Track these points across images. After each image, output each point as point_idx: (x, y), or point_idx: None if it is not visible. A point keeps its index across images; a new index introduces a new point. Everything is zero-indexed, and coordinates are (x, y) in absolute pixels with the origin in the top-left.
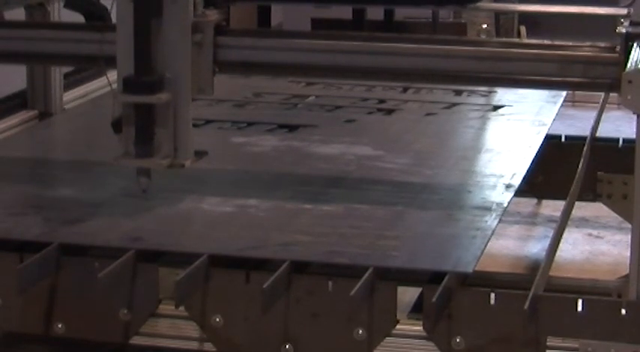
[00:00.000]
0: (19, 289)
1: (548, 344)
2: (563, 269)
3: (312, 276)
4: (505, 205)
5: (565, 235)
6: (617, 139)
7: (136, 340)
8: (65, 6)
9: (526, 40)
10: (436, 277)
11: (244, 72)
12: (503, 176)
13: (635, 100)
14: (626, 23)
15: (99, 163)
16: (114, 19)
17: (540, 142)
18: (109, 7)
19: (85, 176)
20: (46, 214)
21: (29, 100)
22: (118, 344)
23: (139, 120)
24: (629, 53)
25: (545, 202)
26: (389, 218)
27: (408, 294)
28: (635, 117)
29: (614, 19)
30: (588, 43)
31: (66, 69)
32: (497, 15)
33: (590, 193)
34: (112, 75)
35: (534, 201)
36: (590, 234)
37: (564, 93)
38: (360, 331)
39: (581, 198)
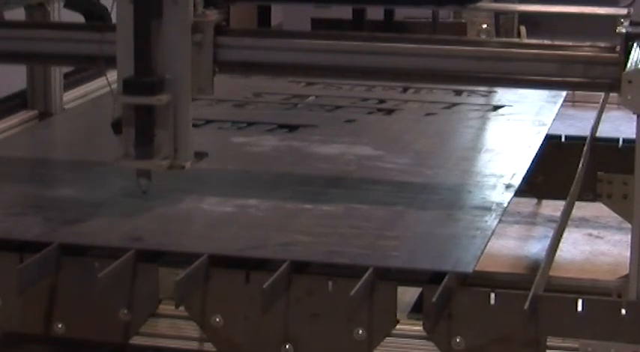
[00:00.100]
0: (19, 289)
1: (548, 344)
2: (563, 269)
3: (312, 276)
4: (505, 205)
5: (565, 235)
6: (617, 139)
7: (136, 340)
8: (65, 6)
9: (526, 40)
10: (436, 277)
11: (244, 72)
12: (503, 176)
13: (635, 100)
14: (626, 23)
15: (99, 163)
16: (114, 19)
17: (540, 142)
18: (109, 7)
19: (85, 176)
20: (46, 214)
21: (29, 100)
22: (118, 344)
23: (139, 121)
24: (629, 53)
25: (545, 202)
26: (389, 218)
27: (408, 294)
28: (635, 117)
29: (614, 19)
30: (588, 43)
31: (66, 69)
32: (497, 15)
33: (590, 193)
34: (112, 75)
35: (534, 201)
36: (590, 234)
37: (564, 93)
38: (360, 331)
39: (581, 198)
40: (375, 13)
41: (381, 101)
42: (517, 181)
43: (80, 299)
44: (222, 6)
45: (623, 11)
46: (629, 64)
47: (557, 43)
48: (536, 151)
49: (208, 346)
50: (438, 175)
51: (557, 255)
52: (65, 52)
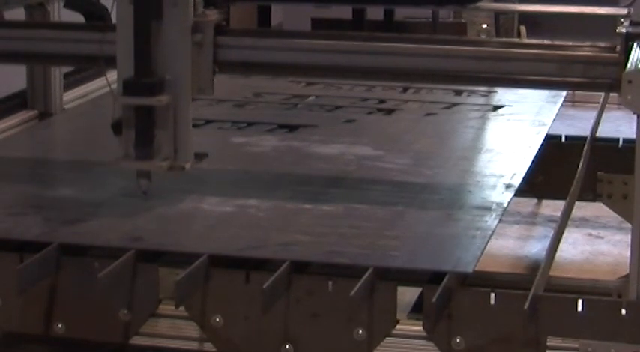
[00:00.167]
0: (19, 289)
1: (548, 344)
2: (563, 269)
3: (312, 276)
4: (505, 205)
5: (565, 235)
6: (617, 139)
7: (136, 340)
8: (65, 6)
9: (526, 40)
10: (436, 277)
11: (244, 72)
12: (503, 176)
13: (635, 100)
14: (626, 23)
15: (99, 163)
16: (114, 19)
17: (540, 142)
18: (109, 8)
19: (85, 176)
20: (46, 214)
21: (29, 100)
22: (118, 344)
23: (139, 122)
24: (629, 53)
25: (545, 202)
26: (389, 218)
27: (408, 294)
28: (635, 117)
29: (614, 19)
30: (588, 43)
31: (66, 69)
32: (497, 15)
33: (590, 193)
34: (112, 75)
35: (534, 201)
36: (590, 234)
37: (564, 93)
38: (360, 331)
39: (581, 198)
40: (375, 13)
41: (381, 101)
42: (517, 181)
43: (80, 299)
44: (222, 6)
45: (623, 11)
46: (629, 64)
47: (557, 43)
48: (536, 151)
49: (208, 346)
50: (438, 175)
51: (557, 255)
52: (65, 52)
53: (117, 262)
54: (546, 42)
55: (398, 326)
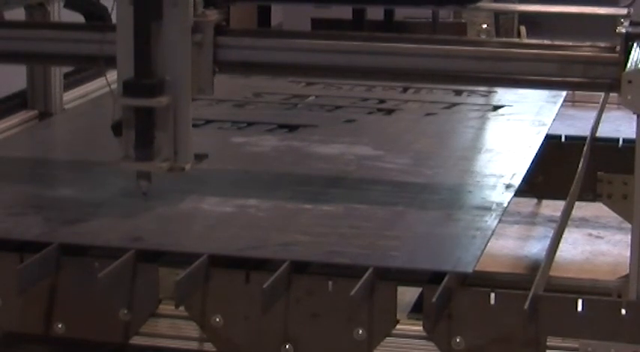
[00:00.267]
0: (19, 289)
1: (548, 344)
2: (563, 269)
3: (312, 276)
4: (505, 205)
5: (565, 235)
6: (617, 139)
7: (136, 340)
8: (65, 6)
9: (526, 40)
10: (436, 277)
11: (244, 72)
12: (503, 176)
13: (635, 100)
14: (626, 23)
15: (99, 163)
16: (114, 19)
17: (540, 142)
18: (109, 8)
19: (85, 176)
20: (46, 214)
21: (29, 100)
22: (118, 344)
23: (139, 123)
24: (629, 53)
25: (545, 202)
26: (389, 218)
27: (408, 294)
28: (635, 117)
29: (614, 19)
30: (588, 43)
31: (66, 69)
32: (497, 15)
33: (590, 193)
34: (112, 75)
35: (534, 201)
36: (590, 234)
37: (564, 93)
38: (360, 331)
39: (581, 198)
40: (375, 13)
41: (381, 101)
42: (517, 181)
43: (80, 299)
44: (222, 6)
45: (623, 11)
46: (629, 64)
47: (557, 43)
48: (536, 151)
49: (208, 346)
50: (438, 175)
51: (557, 255)
52: (65, 52)
53: (117, 262)
54: (546, 42)
55: (398, 326)
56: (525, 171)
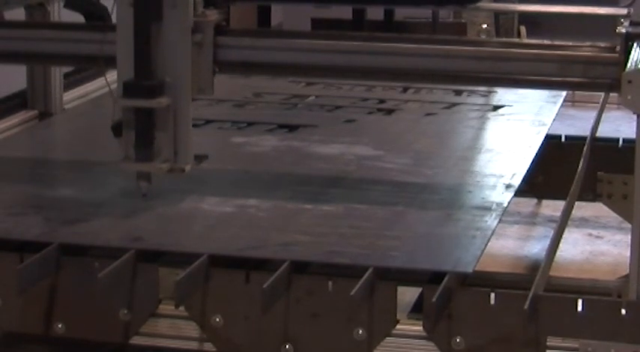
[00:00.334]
0: (19, 289)
1: (548, 344)
2: (563, 269)
3: (312, 276)
4: (505, 205)
5: (565, 235)
6: (617, 139)
7: (136, 340)
8: (65, 6)
9: (526, 40)
10: (436, 277)
11: (244, 72)
12: (503, 176)
13: (635, 100)
14: (626, 23)
15: (99, 163)
16: (114, 19)
17: (540, 142)
18: (109, 8)
19: (85, 176)
20: (46, 214)
21: (29, 100)
22: (118, 344)
23: (139, 124)
24: (629, 53)
25: (545, 202)
26: (389, 218)
27: (408, 294)
28: (635, 117)
29: (614, 19)
30: (588, 43)
31: (66, 69)
32: (497, 15)
33: (590, 193)
34: (112, 75)
35: (534, 201)
36: (590, 234)
37: (564, 93)
38: (360, 331)
39: (581, 198)
40: (375, 13)
41: (381, 101)
42: (517, 181)
43: (80, 299)
44: (222, 6)
45: (623, 11)
46: (629, 64)
47: (557, 43)
48: (536, 151)
49: (208, 346)
50: (438, 175)
51: (557, 255)
52: (65, 52)
53: (117, 262)
54: (546, 42)
55: (398, 326)
56: (525, 171)
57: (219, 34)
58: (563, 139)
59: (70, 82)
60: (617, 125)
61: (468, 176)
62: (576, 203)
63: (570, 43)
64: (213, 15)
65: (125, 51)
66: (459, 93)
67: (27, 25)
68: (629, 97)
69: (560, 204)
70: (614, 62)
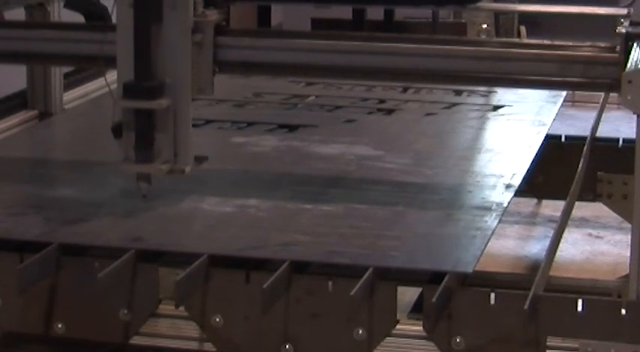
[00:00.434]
0: (19, 289)
1: (548, 344)
2: (563, 269)
3: (312, 276)
4: (505, 205)
5: (565, 235)
6: (617, 139)
7: (136, 340)
8: (65, 6)
9: (526, 40)
10: (436, 277)
11: (244, 72)
12: (503, 176)
13: (635, 100)
14: (626, 23)
15: (99, 163)
16: (114, 19)
17: (540, 142)
18: (109, 8)
19: (85, 176)
20: (46, 214)
21: (29, 100)
22: (118, 344)
23: (139, 125)
24: (629, 53)
25: (545, 202)
26: (389, 218)
27: (408, 294)
28: (635, 117)
29: (614, 19)
30: (588, 43)
31: (66, 69)
32: (497, 15)
33: (590, 193)
34: (112, 75)
35: (534, 201)
36: (590, 234)
37: (564, 93)
38: (360, 331)
39: (581, 198)
40: (375, 13)
41: (381, 101)
42: (517, 181)
43: (80, 299)
44: (222, 6)
45: (623, 11)
46: (629, 64)
47: (557, 43)
48: (536, 151)
49: (208, 346)
50: (438, 175)
51: (557, 255)
52: (65, 52)
53: (117, 262)
54: (546, 42)
55: (398, 326)
56: (525, 171)
57: (219, 34)
58: (563, 139)
59: (70, 82)
60: (617, 125)
61: (468, 176)
62: (576, 203)
63: (570, 43)
64: (213, 15)
65: (125, 52)
66: (459, 93)
67: (27, 25)
68: (629, 97)
69: (560, 204)
70: (614, 62)
